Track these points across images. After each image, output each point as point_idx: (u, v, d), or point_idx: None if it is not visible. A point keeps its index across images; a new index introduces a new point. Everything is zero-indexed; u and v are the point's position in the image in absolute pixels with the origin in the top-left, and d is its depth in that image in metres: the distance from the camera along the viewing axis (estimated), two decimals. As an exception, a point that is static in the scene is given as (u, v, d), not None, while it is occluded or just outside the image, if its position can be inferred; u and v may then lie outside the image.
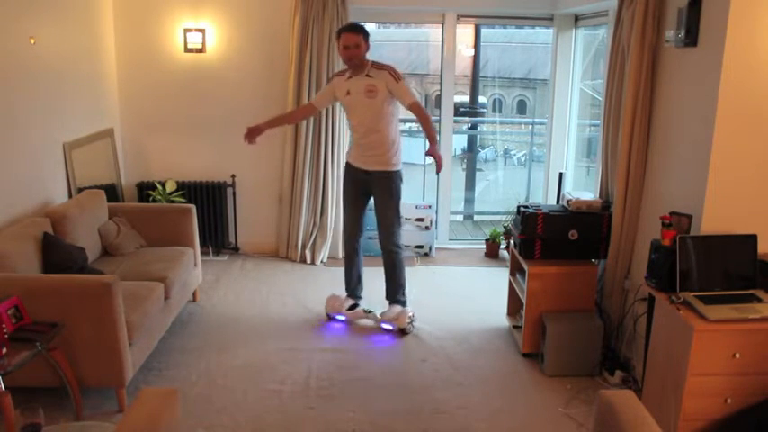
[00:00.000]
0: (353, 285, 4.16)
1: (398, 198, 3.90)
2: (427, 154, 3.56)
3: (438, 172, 3.65)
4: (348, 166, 3.99)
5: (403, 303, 4.05)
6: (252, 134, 3.87)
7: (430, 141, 3.62)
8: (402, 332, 3.93)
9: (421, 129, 3.95)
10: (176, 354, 3.63)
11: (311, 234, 5.17)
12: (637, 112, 3.35)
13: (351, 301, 4.14)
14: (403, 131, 8.83)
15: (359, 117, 3.80)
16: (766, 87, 2.71)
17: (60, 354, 2.83)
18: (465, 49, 9.10)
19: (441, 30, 5.25)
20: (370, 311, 4.08)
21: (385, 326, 3.98)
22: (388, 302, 4.08)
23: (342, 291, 4.22)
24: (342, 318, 4.10)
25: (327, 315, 4.14)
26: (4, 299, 2.72)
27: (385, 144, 3.80)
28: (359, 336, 3.91)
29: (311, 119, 4.90)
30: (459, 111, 9.50)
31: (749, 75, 2.70)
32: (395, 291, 4.05)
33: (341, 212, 5.12)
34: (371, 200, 3.97)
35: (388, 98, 3.72)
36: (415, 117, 3.78)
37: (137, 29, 4.99)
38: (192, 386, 3.30)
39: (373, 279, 4.32)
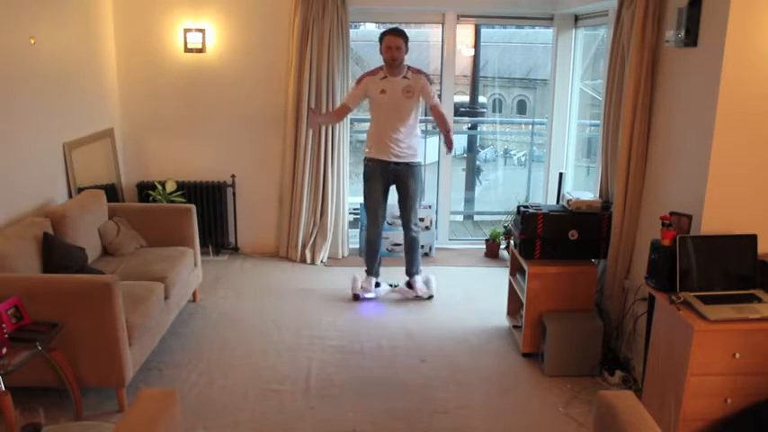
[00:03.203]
0: (377, 267, 4.55)
1: (421, 185, 4.48)
2: (447, 143, 4.31)
3: (449, 149, 4.38)
4: (374, 161, 4.30)
5: (419, 272, 4.55)
6: (314, 118, 4.53)
7: (446, 134, 4.31)
8: (430, 297, 4.49)
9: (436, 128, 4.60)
10: (176, 354, 3.63)
11: (311, 234, 5.17)
12: (637, 112, 3.35)
13: (375, 280, 4.54)
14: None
15: (391, 114, 4.20)
16: (766, 87, 2.71)
17: (60, 354, 2.83)
18: (465, 49, 9.08)
19: (441, 30, 5.25)
20: (396, 285, 4.57)
21: (420, 294, 4.47)
22: (407, 277, 4.52)
23: (345, 285, 4.59)
24: (371, 296, 4.47)
25: (356, 295, 4.45)
26: (4, 299, 2.72)
27: (414, 138, 4.29)
28: (359, 335, 3.91)
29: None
30: (459, 111, 9.50)
31: (749, 75, 2.70)
32: (418, 264, 4.51)
33: (341, 212, 5.16)
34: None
35: (419, 98, 4.24)
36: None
37: (137, 29, 4.99)
38: (191, 386, 3.30)
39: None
